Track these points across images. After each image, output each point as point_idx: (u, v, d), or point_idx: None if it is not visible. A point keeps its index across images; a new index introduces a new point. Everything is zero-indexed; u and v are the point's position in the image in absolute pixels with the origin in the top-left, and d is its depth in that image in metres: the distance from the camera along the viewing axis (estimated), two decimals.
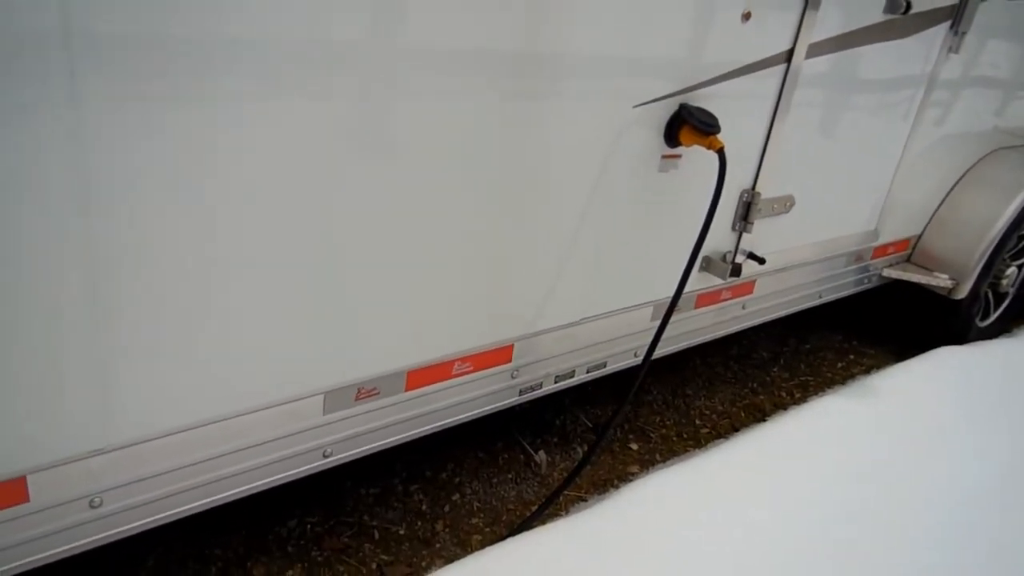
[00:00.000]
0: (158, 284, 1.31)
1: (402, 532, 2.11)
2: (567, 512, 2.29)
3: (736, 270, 2.35)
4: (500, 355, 1.97)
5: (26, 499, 1.31)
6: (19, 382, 1.23)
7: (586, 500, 2.36)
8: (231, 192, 1.33)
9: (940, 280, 3.21)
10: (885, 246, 3.14)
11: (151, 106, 1.19)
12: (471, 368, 1.92)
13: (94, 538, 1.43)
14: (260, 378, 1.53)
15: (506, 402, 2.07)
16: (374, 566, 1.99)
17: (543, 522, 2.05)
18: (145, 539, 1.85)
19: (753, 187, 2.33)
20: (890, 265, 3.26)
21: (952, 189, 3.31)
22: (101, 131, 1.15)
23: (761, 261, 2.45)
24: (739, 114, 2.12)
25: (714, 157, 1.92)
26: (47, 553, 1.38)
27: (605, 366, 2.30)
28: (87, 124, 1.14)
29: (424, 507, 2.22)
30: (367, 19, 1.37)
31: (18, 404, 1.24)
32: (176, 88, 1.20)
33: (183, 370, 1.41)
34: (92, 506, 1.40)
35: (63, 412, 1.30)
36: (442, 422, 1.93)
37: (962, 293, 3.22)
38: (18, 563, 1.35)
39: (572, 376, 2.22)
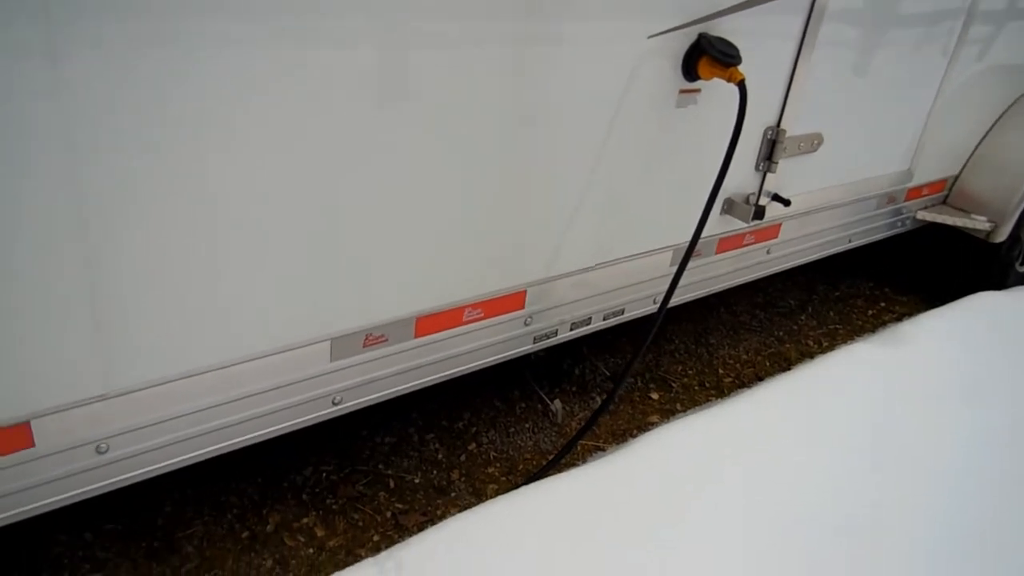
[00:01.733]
0: (161, 227, 1.28)
1: (417, 481, 2.11)
2: (584, 462, 2.27)
3: (759, 212, 2.26)
4: (512, 301, 1.92)
5: (31, 444, 1.31)
6: (20, 326, 1.21)
7: (604, 450, 2.33)
8: (234, 133, 1.29)
9: (978, 223, 3.07)
10: (919, 187, 3.01)
11: (141, 45, 1.14)
12: (482, 315, 1.88)
13: (102, 483, 1.43)
14: (265, 324, 1.50)
15: (520, 350, 2.03)
16: (389, 514, 1.98)
17: (559, 471, 2.02)
18: (161, 485, 1.87)
19: (778, 124, 2.22)
20: (925, 207, 3.13)
21: (993, 127, 3.15)
22: (86, 65, 1.11)
23: (786, 203, 2.35)
24: (763, 45, 2.01)
25: (735, 91, 1.82)
26: (56, 498, 1.39)
27: (623, 313, 2.25)
28: (70, 61, 1.10)
29: (440, 456, 2.21)
30: None
31: (20, 349, 1.23)
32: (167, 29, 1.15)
33: (186, 316, 1.38)
34: (99, 452, 1.40)
35: (65, 357, 1.28)
36: (453, 370, 1.90)
37: (1001, 236, 3.08)
38: (27, 507, 1.35)
39: (588, 323, 2.17)
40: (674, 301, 2.05)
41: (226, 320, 1.44)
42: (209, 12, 1.18)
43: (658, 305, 2.28)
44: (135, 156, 1.21)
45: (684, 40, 1.84)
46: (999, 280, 3.26)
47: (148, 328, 1.35)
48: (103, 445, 1.40)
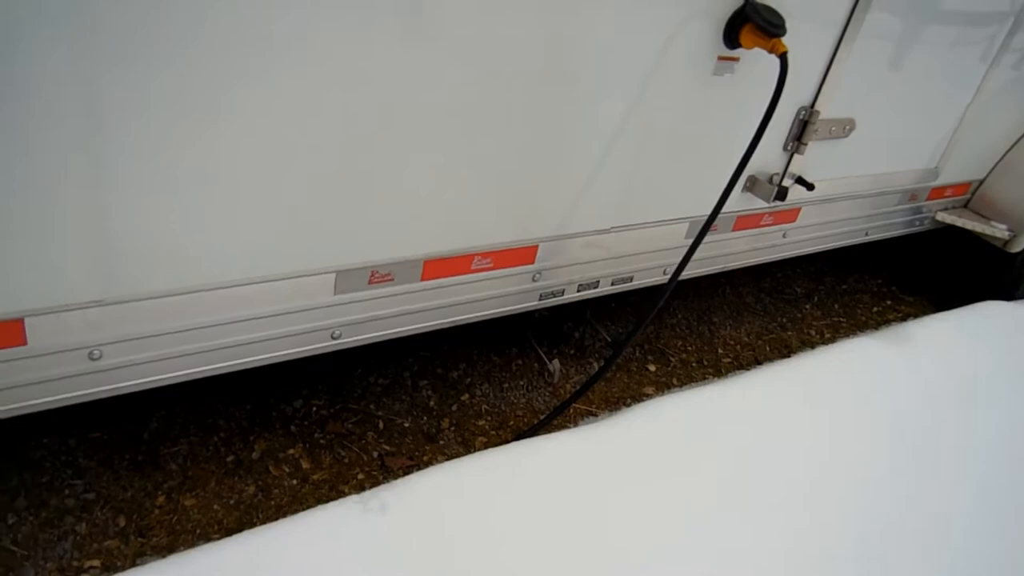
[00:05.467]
0: (172, 137, 1.23)
1: (407, 425, 2.09)
2: (576, 425, 2.26)
3: (782, 193, 2.20)
4: (523, 255, 1.89)
5: (23, 342, 1.28)
6: (21, 222, 1.17)
7: (596, 415, 2.32)
8: (252, 54, 1.23)
9: (997, 230, 3.03)
10: (943, 188, 2.96)
11: None
12: (491, 265, 1.84)
13: (92, 390, 1.41)
14: (270, 248, 1.46)
15: (525, 305, 2.00)
16: (375, 455, 1.97)
17: (550, 431, 2.01)
18: (149, 400, 1.85)
19: (812, 105, 2.16)
20: (945, 209, 3.07)
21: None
22: None
23: (810, 187, 2.30)
24: (807, 20, 1.94)
25: (775, 63, 1.76)
26: (45, 399, 1.36)
27: (632, 280, 2.21)
28: None
29: (432, 403, 2.19)
30: None
31: (20, 245, 1.19)
32: None
33: (190, 229, 1.34)
34: (91, 358, 1.37)
35: (65, 257, 1.25)
36: (457, 317, 1.87)
37: (1019, 246, 3.04)
38: (15, 405, 1.33)
39: (596, 287, 2.14)
40: (685, 274, 2.02)
41: (233, 239, 1.40)
42: None
43: (668, 276, 2.26)
44: (148, 64, 1.15)
45: (729, 5, 1.77)
46: (1010, 291, 3.23)
47: (153, 238, 1.31)
48: (96, 351, 1.37)
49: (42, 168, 1.15)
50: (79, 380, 1.38)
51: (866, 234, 2.85)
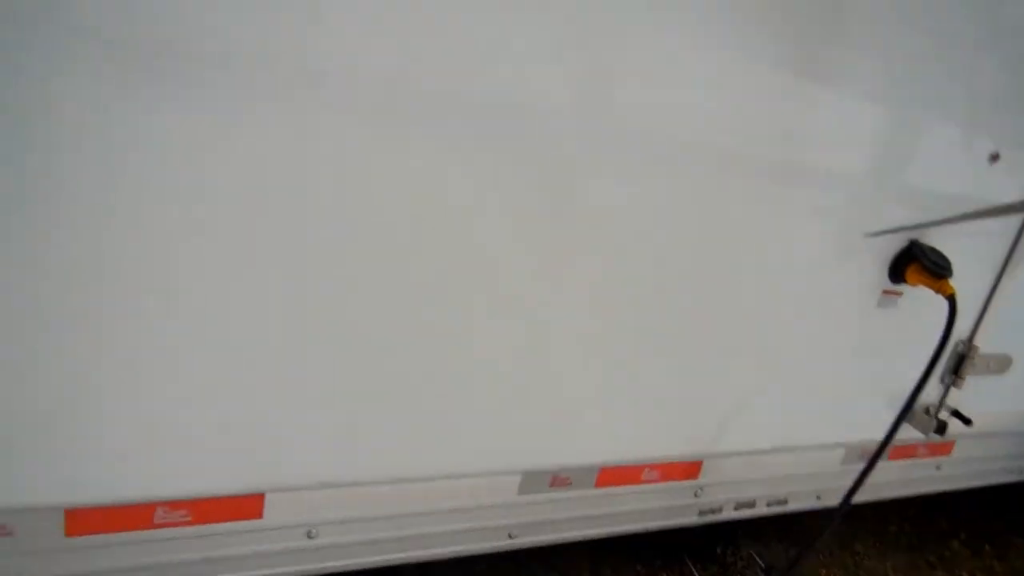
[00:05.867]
0: (392, 344, 1.39)
1: None
2: None
3: (941, 427, 2.19)
4: (688, 469, 1.93)
5: (260, 515, 1.40)
6: (275, 408, 1.33)
7: None
8: (447, 266, 1.39)
9: None
10: None
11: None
12: (658, 477, 1.89)
13: (302, 567, 1.50)
14: (474, 446, 1.58)
15: (684, 519, 2.01)
16: None
17: None
18: None
19: (970, 339, 2.21)
20: None
21: None
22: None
23: (968, 422, 2.28)
24: (968, 258, 2.03)
25: (939, 301, 1.85)
26: (262, 572, 1.46)
27: (786, 503, 2.19)
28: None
29: None
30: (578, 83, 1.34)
31: (269, 425, 1.34)
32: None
33: (413, 424, 1.47)
34: (309, 536, 1.47)
35: (308, 442, 1.38)
36: (622, 527, 1.90)
37: None
38: (239, 574, 1.43)
39: (752, 507, 2.13)
40: (836, 503, 1.99)
41: (447, 435, 1.52)
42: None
43: (822, 501, 2.23)
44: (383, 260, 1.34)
45: (895, 243, 1.90)
46: None
47: (379, 427, 1.44)
48: (314, 531, 1.47)
49: (285, 355, 1.32)
50: (293, 556, 1.48)
51: (1021, 472, 2.74)
